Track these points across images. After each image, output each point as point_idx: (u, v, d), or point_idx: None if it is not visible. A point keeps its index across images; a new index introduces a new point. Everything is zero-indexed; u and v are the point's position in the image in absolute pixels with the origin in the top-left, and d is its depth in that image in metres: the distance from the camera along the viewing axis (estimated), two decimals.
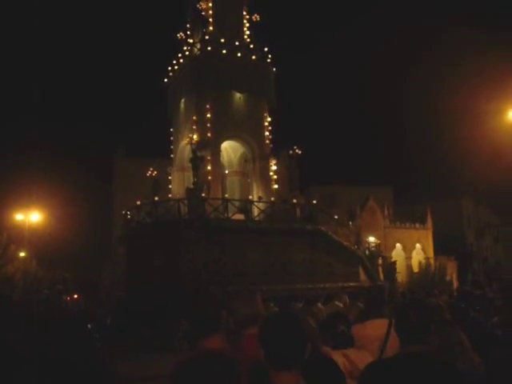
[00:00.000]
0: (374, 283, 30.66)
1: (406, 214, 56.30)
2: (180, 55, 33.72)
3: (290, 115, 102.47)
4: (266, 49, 33.34)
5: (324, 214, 33.53)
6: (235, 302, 4.51)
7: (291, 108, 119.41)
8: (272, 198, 30.97)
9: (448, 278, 50.18)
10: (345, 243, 31.40)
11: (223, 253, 24.87)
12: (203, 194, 28.47)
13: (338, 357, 5.02)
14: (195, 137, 30.74)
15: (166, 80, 34.87)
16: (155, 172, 31.20)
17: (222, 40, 31.97)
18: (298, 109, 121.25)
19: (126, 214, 31.58)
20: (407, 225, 55.50)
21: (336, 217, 34.65)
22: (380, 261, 36.35)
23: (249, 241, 27.25)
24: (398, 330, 3.80)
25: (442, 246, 55.12)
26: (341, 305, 13.28)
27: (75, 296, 50.46)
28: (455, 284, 46.12)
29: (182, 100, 33.46)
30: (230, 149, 33.51)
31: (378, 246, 40.23)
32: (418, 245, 55.60)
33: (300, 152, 31.46)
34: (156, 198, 29.80)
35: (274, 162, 33.03)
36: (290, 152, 31.67)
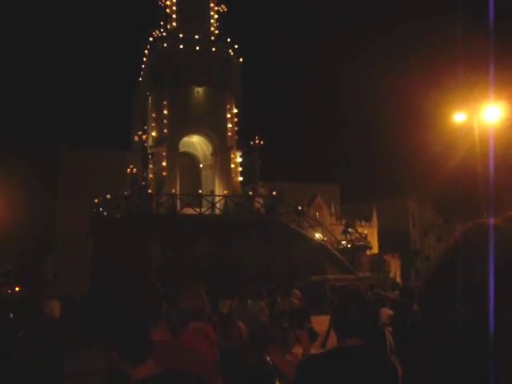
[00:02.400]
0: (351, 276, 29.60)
1: (353, 211, 56.98)
2: (146, 52, 33.50)
3: (262, 106, 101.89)
4: (228, 39, 32.99)
5: (286, 205, 33.00)
6: (179, 296, 4.38)
7: (264, 99, 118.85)
8: (225, 191, 30.88)
9: (392, 275, 51.03)
10: (308, 235, 31.20)
11: (170, 247, 24.89)
12: (150, 191, 28.56)
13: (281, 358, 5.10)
14: (154, 134, 30.85)
15: (137, 78, 34.80)
16: (135, 169, 31.09)
17: (181, 35, 31.78)
18: (269, 100, 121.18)
19: (95, 207, 31.18)
20: (352, 222, 56.15)
21: (299, 207, 34.22)
22: (368, 253, 36.18)
23: (198, 235, 27.16)
24: (337, 323, 3.89)
25: (387, 244, 55.99)
26: (296, 301, 13.23)
27: (16, 289, 49.53)
28: (398, 281, 46.94)
29: (144, 97, 33.40)
30: (202, 143, 33.24)
31: (364, 237, 39.67)
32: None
33: (262, 143, 31.42)
34: (125, 193, 30.06)
35: (239, 154, 32.63)
36: (251, 143, 31.58)
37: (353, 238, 37.40)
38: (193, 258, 25.97)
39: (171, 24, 33.08)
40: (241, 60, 33.25)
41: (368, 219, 57.26)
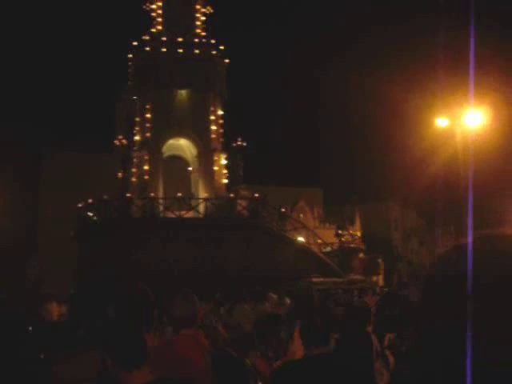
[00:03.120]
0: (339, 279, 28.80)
1: (336, 215, 57.03)
2: (130, 56, 33.39)
3: (250, 108, 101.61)
4: (213, 41, 32.84)
5: (269, 208, 32.71)
6: (172, 302, 4.38)
7: (252, 101, 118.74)
8: (205, 194, 30.79)
9: (374, 278, 51.13)
10: (292, 238, 31.03)
11: (148, 252, 24.89)
12: (129, 194, 28.63)
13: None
14: (137, 137, 30.87)
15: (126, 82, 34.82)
16: (120, 173, 31.13)
17: (164, 38, 31.74)
18: (256, 102, 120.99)
19: (82, 210, 31.15)
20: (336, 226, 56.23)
21: (283, 210, 34.00)
22: (361, 255, 35.91)
23: (178, 238, 27.08)
24: (304, 331, 3.90)
25: (369, 248, 56.15)
26: (266, 305, 13.09)
27: None
28: (381, 284, 47.05)
29: (127, 100, 33.46)
30: (191, 146, 33.05)
31: (358, 239, 39.20)
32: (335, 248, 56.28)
33: (244, 144, 31.34)
34: (105, 197, 30.15)
35: (224, 156, 32.45)
36: (234, 145, 31.48)
37: (343, 239, 37.07)
38: (171, 261, 25.87)
39: (156, 28, 33.06)
40: (226, 61, 33.17)
41: (351, 223, 57.37)
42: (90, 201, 30.74)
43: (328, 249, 35.61)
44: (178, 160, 34.18)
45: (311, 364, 3.72)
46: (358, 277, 30.90)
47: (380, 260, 38.82)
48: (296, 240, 31.52)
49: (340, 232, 36.13)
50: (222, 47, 33.09)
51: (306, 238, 35.47)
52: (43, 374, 4.16)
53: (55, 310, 15.49)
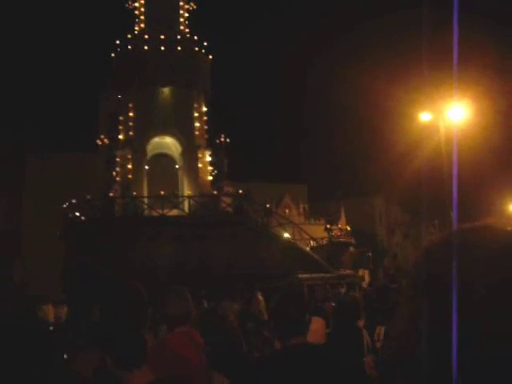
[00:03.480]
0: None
1: (321, 211, 57.16)
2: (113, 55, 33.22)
3: (235, 104, 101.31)
4: (195, 37, 32.67)
5: (254, 204, 32.65)
6: (166, 299, 4.33)
7: (238, 97, 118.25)
8: (188, 192, 30.70)
9: (360, 273, 51.35)
10: (277, 234, 30.94)
11: (133, 251, 24.85)
12: (111, 194, 28.62)
13: None
14: (121, 137, 30.77)
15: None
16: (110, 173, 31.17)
17: (146, 36, 31.60)
18: (242, 98, 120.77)
19: (66, 210, 31.01)
20: (322, 221, 56.35)
21: (267, 205, 33.83)
22: (351, 249, 35.76)
23: (161, 237, 26.94)
24: (277, 323, 3.89)
25: (354, 242, 56.32)
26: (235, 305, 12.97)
27: None
28: (367, 279, 47.24)
29: (111, 100, 33.33)
30: (176, 144, 32.83)
31: (347, 233, 38.96)
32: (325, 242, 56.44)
33: (227, 141, 31.23)
34: (88, 197, 30.14)
35: (208, 153, 32.25)
36: (217, 141, 31.35)
37: (333, 234, 36.88)
38: (156, 260, 25.77)
39: (140, 26, 32.90)
40: (210, 57, 32.96)
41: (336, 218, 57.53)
42: (73, 201, 30.62)
43: (313, 243, 35.43)
44: (165, 158, 34.03)
45: (291, 354, 3.72)
46: (348, 271, 30.74)
47: (370, 254, 38.74)
48: (282, 236, 31.46)
49: (329, 226, 36.05)
50: (205, 43, 32.91)
51: (292, 233, 35.42)
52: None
53: (51, 312, 15.17)
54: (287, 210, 51.37)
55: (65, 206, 30.97)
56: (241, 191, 31.61)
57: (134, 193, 29.98)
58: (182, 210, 29.54)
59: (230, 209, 30.28)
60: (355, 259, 35.29)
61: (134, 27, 33.24)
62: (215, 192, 30.35)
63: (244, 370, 4.24)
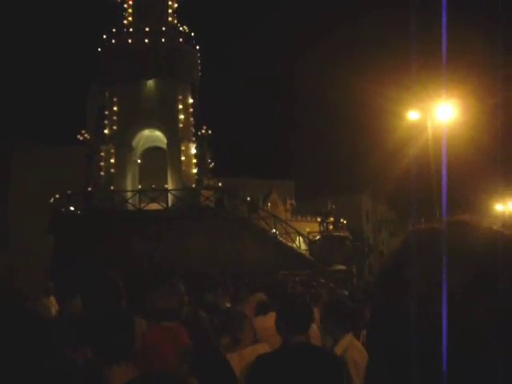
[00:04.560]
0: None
1: (308, 207, 57.18)
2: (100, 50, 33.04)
3: (224, 96, 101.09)
4: (181, 28, 32.32)
5: (236, 198, 32.48)
6: (155, 293, 4.04)
7: (227, 90, 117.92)
8: (166, 185, 30.59)
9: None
10: (262, 229, 30.57)
11: (111, 245, 24.83)
12: (89, 188, 28.75)
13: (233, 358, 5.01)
14: (106, 131, 30.75)
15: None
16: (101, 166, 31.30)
17: (131, 29, 31.46)
18: (230, 91, 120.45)
19: (55, 204, 30.99)
20: (308, 218, 56.38)
21: (248, 198, 33.54)
22: (347, 243, 35.47)
23: (137, 231, 26.74)
24: (282, 320, 3.91)
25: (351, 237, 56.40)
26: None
27: None
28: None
29: (97, 94, 33.23)
30: (163, 137, 32.55)
31: (342, 226, 38.45)
32: (319, 237, 56.48)
33: (210, 132, 31.00)
34: (68, 192, 30.32)
35: (193, 145, 31.91)
36: (199, 133, 31.10)
37: (330, 228, 36.36)
38: (136, 254, 25.54)
39: (127, 19, 32.76)
40: (197, 48, 32.61)
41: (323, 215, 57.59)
42: (57, 196, 30.66)
43: (310, 237, 35.06)
44: (159, 151, 33.81)
45: (294, 352, 3.73)
46: (341, 267, 30.50)
47: (367, 249, 38.45)
48: (265, 230, 31.14)
49: (324, 220, 35.67)
50: (192, 34, 32.54)
51: (279, 229, 35.02)
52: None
53: (53, 304, 14.61)
54: (269, 204, 51.07)
55: (52, 200, 30.89)
56: (220, 184, 31.23)
57: (112, 187, 29.86)
58: (160, 203, 29.16)
59: (210, 203, 29.74)
60: (351, 254, 34.82)
61: (122, 20, 33.06)
62: (194, 185, 29.93)
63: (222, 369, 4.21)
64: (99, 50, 32.57)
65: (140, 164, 33.38)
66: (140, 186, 31.21)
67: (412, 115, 23.30)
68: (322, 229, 36.63)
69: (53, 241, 30.18)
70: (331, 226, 37.74)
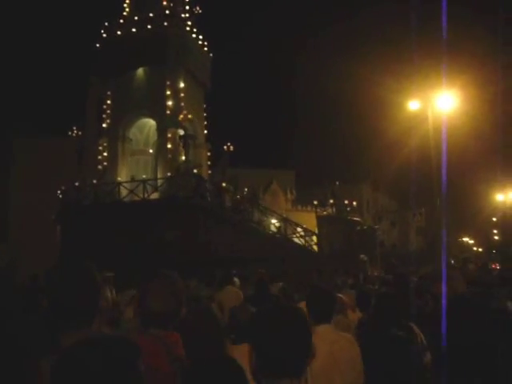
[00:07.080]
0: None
1: (308, 197, 57.24)
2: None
3: (224, 90, 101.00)
4: (167, 12, 31.36)
5: (231, 190, 31.78)
6: (148, 291, 3.21)
7: (225, 80, 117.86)
8: (144, 175, 30.63)
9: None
10: (259, 220, 29.97)
11: (92, 238, 25.12)
12: (77, 184, 29.64)
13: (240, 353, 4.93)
14: (104, 125, 30.92)
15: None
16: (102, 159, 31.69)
17: (122, 21, 31.36)
18: (231, 84, 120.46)
19: (62, 194, 31.36)
20: (309, 208, 56.46)
21: (245, 189, 32.83)
22: (358, 228, 34.85)
23: (119, 223, 26.43)
24: (310, 311, 4.08)
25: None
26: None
27: None
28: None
29: (95, 87, 33.41)
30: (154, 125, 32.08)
31: (354, 209, 37.23)
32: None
33: (190, 116, 30.43)
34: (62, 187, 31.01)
35: (182, 133, 31.23)
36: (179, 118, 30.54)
37: (348, 210, 35.04)
38: (114, 247, 25.13)
39: (126, 10, 32.64)
40: (193, 36, 32.07)
41: (324, 205, 57.69)
42: (63, 188, 31.20)
43: (299, 229, 34.24)
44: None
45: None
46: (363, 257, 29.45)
47: (379, 233, 37.13)
48: (264, 223, 30.58)
49: (332, 201, 34.28)
50: (189, 22, 31.84)
51: (278, 220, 34.16)
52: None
53: None
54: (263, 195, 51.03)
55: (59, 191, 31.28)
56: (195, 171, 29.79)
57: (94, 181, 29.81)
58: (137, 194, 28.35)
59: (189, 193, 28.39)
60: (363, 239, 33.87)
61: (120, 12, 32.91)
62: (169, 174, 29.00)
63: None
64: (97, 44, 32.50)
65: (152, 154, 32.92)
66: (144, 176, 30.89)
67: (413, 105, 23.24)
68: (332, 211, 35.08)
69: (60, 231, 30.27)
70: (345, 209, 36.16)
